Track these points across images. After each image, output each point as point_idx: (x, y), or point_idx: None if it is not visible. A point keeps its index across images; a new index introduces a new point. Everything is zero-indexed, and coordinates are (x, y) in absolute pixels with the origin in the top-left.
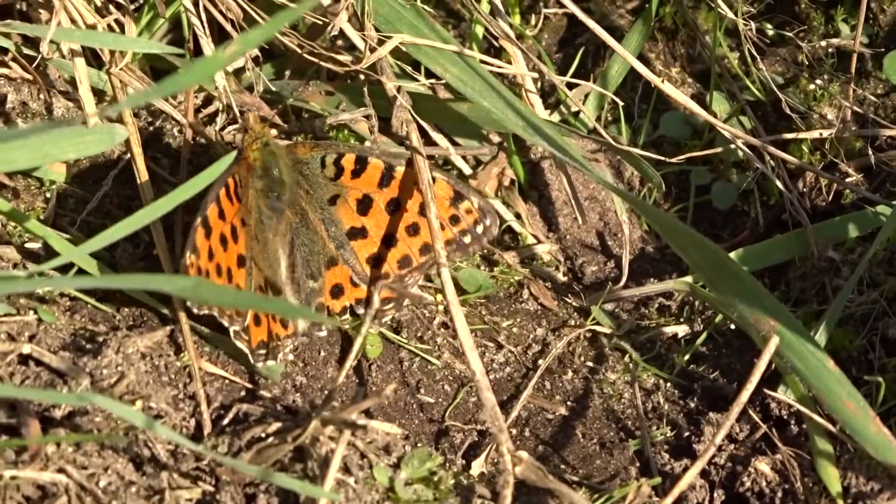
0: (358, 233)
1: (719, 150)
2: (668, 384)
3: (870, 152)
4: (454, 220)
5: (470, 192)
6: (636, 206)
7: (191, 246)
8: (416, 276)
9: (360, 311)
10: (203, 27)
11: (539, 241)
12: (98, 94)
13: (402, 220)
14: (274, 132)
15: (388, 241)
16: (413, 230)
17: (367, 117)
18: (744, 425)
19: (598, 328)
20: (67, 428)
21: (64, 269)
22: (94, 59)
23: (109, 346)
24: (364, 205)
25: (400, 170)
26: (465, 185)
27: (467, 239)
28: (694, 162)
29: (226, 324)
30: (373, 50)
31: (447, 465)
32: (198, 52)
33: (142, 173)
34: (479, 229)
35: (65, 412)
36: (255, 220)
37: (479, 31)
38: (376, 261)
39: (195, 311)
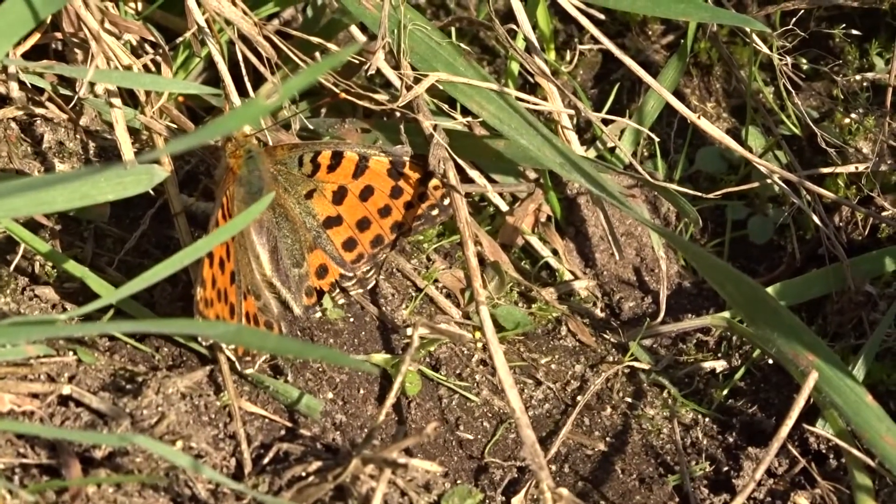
0: (333, 221)
1: (755, 184)
2: (707, 419)
3: None
4: (423, 197)
5: (429, 157)
6: (673, 241)
7: (199, 279)
8: (387, 251)
9: (346, 284)
10: (241, 67)
11: (576, 278)
12: (133, 132)
13: (374, 205)
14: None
15: (362, 224)
16: (385, 212)
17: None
18: (783, 460)
19: (636, 364)
20: (108, 468)
21: (103, 308)
22: (129, 97)
23: (149, 387)
24: (339, 195)
25: (374, 160)
26: (427, 163)
27: (435, 212)
28: (730, 197)
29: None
30: (409, 88)
31: (487, 501)
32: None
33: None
34: (446, 202)
35: (105, 453)
36: None
37: (515, 67)
38: (351, 244)
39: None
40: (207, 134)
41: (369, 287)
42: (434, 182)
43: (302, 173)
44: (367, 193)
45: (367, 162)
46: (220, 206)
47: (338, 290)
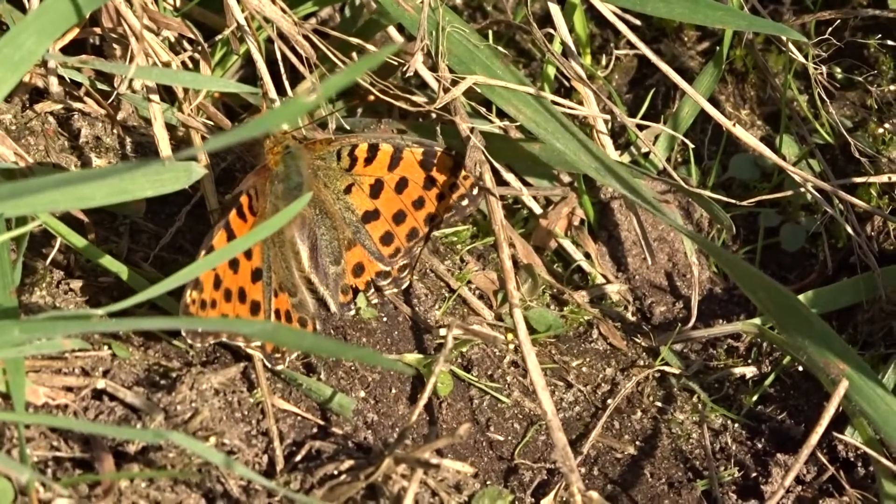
0: (371, 215)
1: (788, 192)
2: (736, 425)
3: None
4: (453, 187)
5: (465, 159)
6: (706, 247)
7: (192, 282)
8: (422, 244)
9: (381, 283)
10: (278, 65)
11: (608, 282)
12: (169, 128)
13: (408, 197)
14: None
15: (398, 218)
16: (419, 204)
17: None
18: (811, 467)
19: (666, 368)
20: (141, 463)
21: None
22: (165, 93)
23: (183, 383)
24: (376, 189)
25: (408, 151)
26: (458, 153)
27: (465, 202)
28: (763, 204)
29: (242, 345)
30: (446, 90)
31: (517, 503)
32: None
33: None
34: (475, 191)
35: (138, 447)
36: None
37: (551, 71)
38: (388, 238)
39: (195, 344)
40: (247, 132)
41: (403, 287)
42: (464, 172)
43: (340, 167)
44: (401, 186)
45: (401, 153)
46: (237, 206)
47: (373, 290)
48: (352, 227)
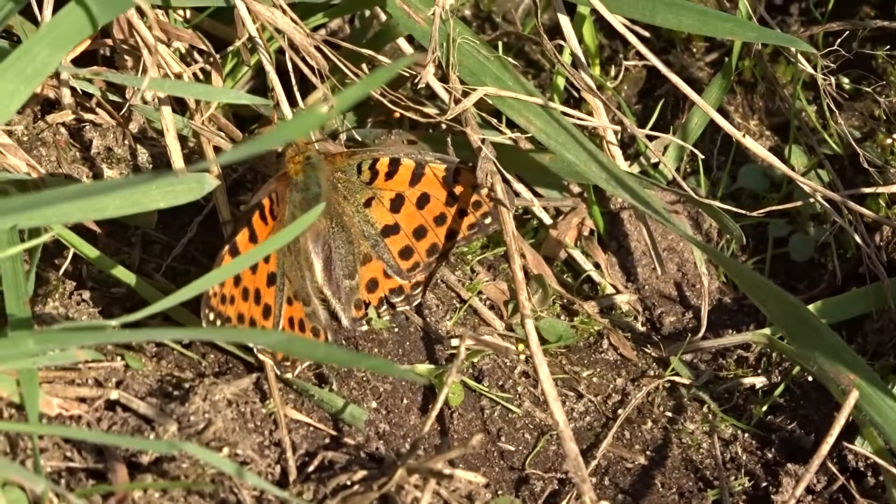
0: (391, 230)
1: (798, 203)
2: (747, 435)
3: None
4: (476, 205)
5: (476, 170)
6: (715, 257)
7: None
8: (442, 260)
9: (394, 300)
10: (289, 76)
11: (618, 292)
12: (182, 139)
13: (429, 213)
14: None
15: (418, 233)
16: (440, 220)
17: None
18: (821, 476)
19: (676, 378)
20: (154, 473)
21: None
22: (177, 104)
23: (196, 393)
24: (396, 203)
25: (430, 167)
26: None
27: (488, 220)
28: (772, 214)
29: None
30: (457, 101)
31: None
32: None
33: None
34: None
35: (152, 458)
36: None
37: (561, 82)
38: (408, 252)
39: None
40: (261, 144)
41: (415, 304)
42: (486, 190)
43: (360, 181)
44: (423, 201)
45: (423, 169)
46: (259, 208)
47: (385, 306)
48: (370, 240)
